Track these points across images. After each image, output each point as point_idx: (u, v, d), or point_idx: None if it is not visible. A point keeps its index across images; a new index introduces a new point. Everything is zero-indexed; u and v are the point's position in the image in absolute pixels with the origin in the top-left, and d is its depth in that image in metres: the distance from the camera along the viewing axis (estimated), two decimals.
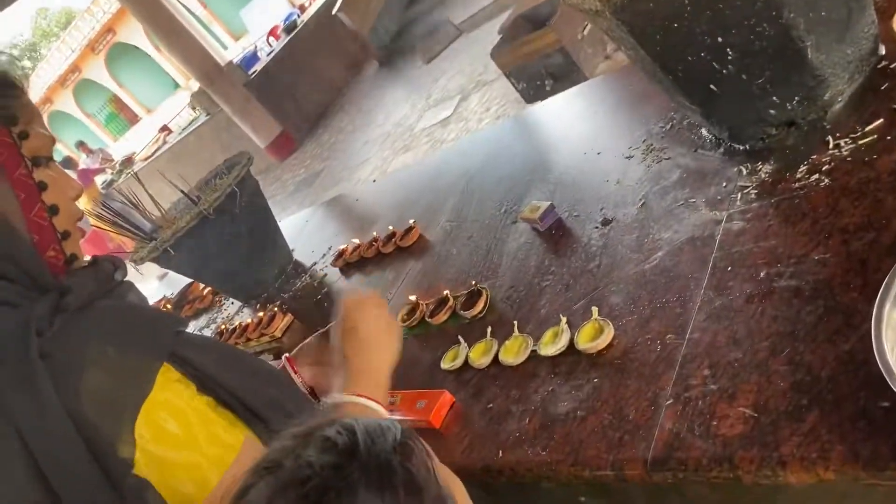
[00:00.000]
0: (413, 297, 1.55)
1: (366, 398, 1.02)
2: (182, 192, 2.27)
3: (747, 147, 1.25)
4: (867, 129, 1.09)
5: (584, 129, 1.75)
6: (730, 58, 1.11)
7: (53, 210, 0.86)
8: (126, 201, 2.32)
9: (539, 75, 4.20)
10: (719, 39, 1.09)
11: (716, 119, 1.25)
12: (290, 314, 2.02)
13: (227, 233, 2.17)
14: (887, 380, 0.72)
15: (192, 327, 2.65)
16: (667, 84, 1.23)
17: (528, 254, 1.47)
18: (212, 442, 0.81)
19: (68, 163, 10.06)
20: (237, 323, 2.23)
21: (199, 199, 2.20)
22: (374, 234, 2.03)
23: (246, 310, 2.41)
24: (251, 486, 0.58)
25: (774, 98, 1.16)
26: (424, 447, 0.64)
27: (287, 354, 1.29)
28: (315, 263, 2.30)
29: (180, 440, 0.79)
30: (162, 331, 0.86)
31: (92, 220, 2.20)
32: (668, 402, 0.95)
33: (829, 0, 1.07)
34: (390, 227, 1.99)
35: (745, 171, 1.21)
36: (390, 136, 7.46)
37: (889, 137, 1.05)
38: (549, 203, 1.48)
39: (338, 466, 0.55)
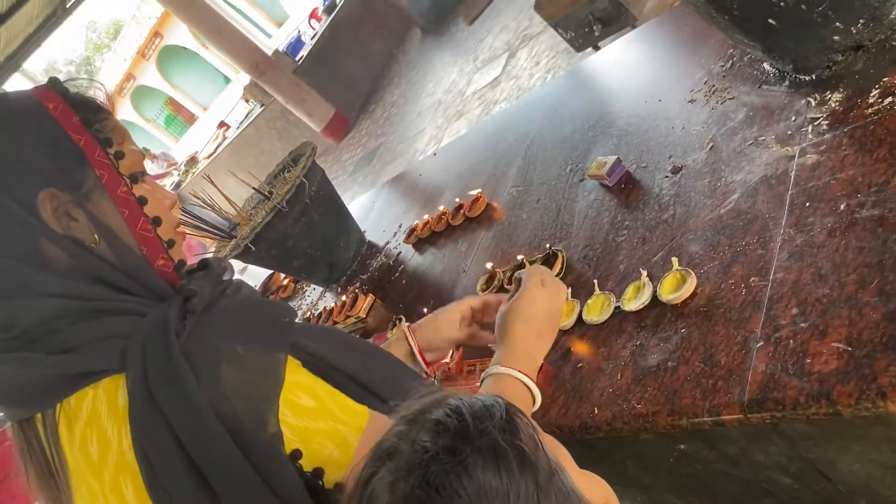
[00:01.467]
0: (490, 265, 1.58)
1: (522, 373, 1.07)
2: (254, 189, 2.34)
3: (814, 77, 1.22)
4: None
5: (642, 76, 1.73)
6: None
7: (157, 222, 0.93)
8: (202, 203, 2.41)
9: (586, 22, 4.13)
10: None
11: (778, 53, 1.22)
12: (371, 294, 2.08)
13: (302, 223, 2.24)
14: None
15: None
16: (723, 23, 1.21)
17: (599, 211, 1.47)
18: (343, 410, 0.88)
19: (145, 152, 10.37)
20: (322, 308, 2.30)
21: (272, 194, 2.28)
22: (442, 207, 2.07)
23: (328, 294, 2.48)
24: (374, 474, 0.62)
25: (837, 23, 1.12)
26: (529, 421, 0.67)
27: (407, 324, 1.35)
28: (388, 242, 2.35)
29: (317, 411, 0.85)
30: (280, 323, 0.92)
31: None
32: (759, 345, 0.95)
33: None
34: (457, 199, 2.01)
35: (813, 103, 1.18)
36: (442, 104, 7.45)
37: None
38: (615, 157, 1.48)
39: (453, 450, 0.59)
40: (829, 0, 1.09)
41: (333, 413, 0.87)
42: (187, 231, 2.24)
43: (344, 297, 2.17)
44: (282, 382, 0.84)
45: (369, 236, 2.54)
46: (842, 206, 1.00)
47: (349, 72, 10.61)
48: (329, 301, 2.42)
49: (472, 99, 6.70)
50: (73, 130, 0.88)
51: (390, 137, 8.35)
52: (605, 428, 1.10)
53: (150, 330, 0.83)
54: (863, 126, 1.07)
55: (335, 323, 2.11)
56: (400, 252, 2.20)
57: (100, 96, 0.96)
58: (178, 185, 12.40)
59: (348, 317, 2.06)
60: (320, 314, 2.25)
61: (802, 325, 0.92)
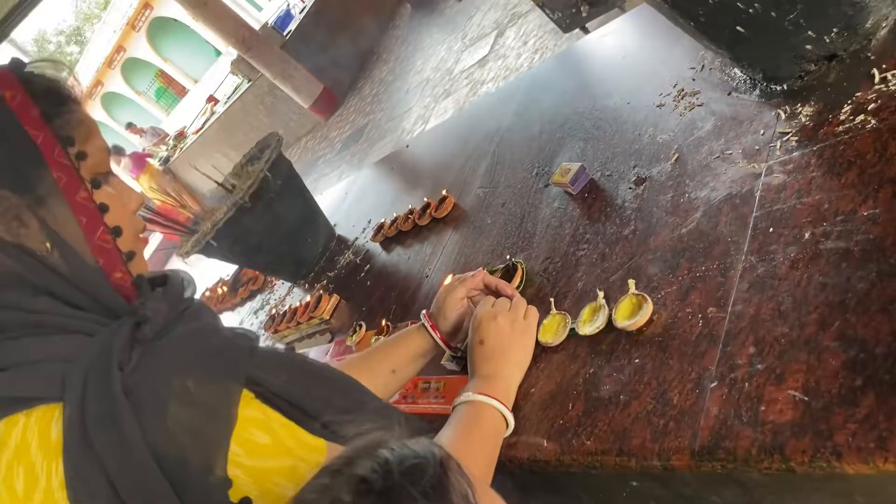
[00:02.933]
0: (449, 279, 1.51)
1: (491, 398, 1.07)
2: (217, 182, 2.26)
3: (785, 87, 1.14)
4: None
5: (614, 74, 1.65)
6: None
7: (117, 232, 0.85)
8: (167, 196, 2.34)
9: (573, 2, 4.02)
10: None
11: (747, 61, 1.15)
12: (335, 295, 2.02)
13: (267, 218, 2.16)
14: None
15: (247, 309, 2.68)
16: (689, 29, 1.14)
17: (561, 221, 1.40)
18: (300, 445, 0.82)
19: (118, 151, 10.22)
20: (288, 306, 2.24)
21: (234, 188, 2.20)
22: (410, 206, 2.00)
23: (296, 290, 2.42)
24: None
25: (810, 32, 1.05)
26: (464, 478, 0.62)
27: (425, 311, 1.32)
28: (356, 239, 2.28)
29: (272, 449, 0.79)
30: (237, 356, 0.85)
31: None
32: (713, 385, 0.89)
33: None
34: (425, 199, 1.94)
35: (783, 115, 1.11)
36: (430, 82, 7.35)
37: None
38: (579, 165, 1.40)
39: None
40: (801, 7, 1.01)
41: (290, 449, 0.81)
42: (153, 225, 2.16)
43: (308, 297, 2.11)
44: (234, 421, 0.78)
45: (340, 230, 2.46)
46: (806, 235, 0.93)
47: (338, 47, 10.46)
48: (296, 297, 2.35)
49: (459, 78, 6.60)
50: (30, 125, 0.78)
51: (378, 115, 8.25)
52: (555, 462, 1.04)
53: (94, 359, 0.76)
54: (832, 145, 1.00)
55: (299, 323, 2.05)
56: (367, 250, 2.13)
57: (70, 84, 0.86)
58: (167, 160, 12.24)
59: (312, 318, 2.00)
60: (285, 313, 2.18)
61: (759, 366, 0.86)
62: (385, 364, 1.26)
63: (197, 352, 0.83)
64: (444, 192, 1.86)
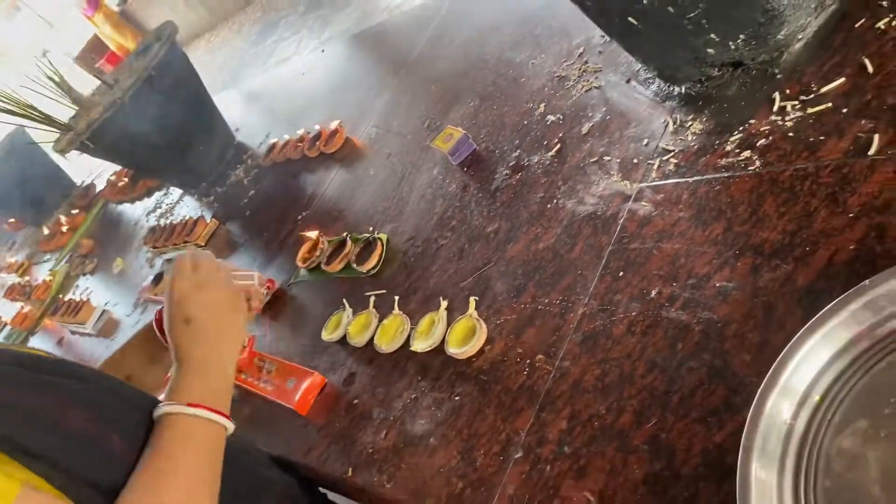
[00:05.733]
0: (314, 234, 1.36)
1: (206, 409, 0.80)
2: (97, 77, 2.03)
3: (682, 90, 0.98)
4: (823, 89, 0.82)
5: (530, 19, 1.43)
6: None
7: None
8: (51, 79, 2.09)
9: None
10: None
11: (640, 56, 0.97)
12: (214, 220, 1.85)
13: (151, 121, 1.95)
14: None
15: (142, 208, 2.50)
16: (581, 9, 0.95)
17: (435, 195, 1.25)
18: None
19: None
20: (169, 221, 2.07)
21: (116, 83, 1.97)
22: (302, 131, 1.80)
23: (187, 198, 2.23)
24: None
25: (713, 35, 0.87)
26: None
27: (159, 308, 1.09)
28: (249, 154, 2.07)
29: None
30: None
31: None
32: (518, 456, 0.78)
33: None
34: (317, 127, 1.75)
35: (672, 126, 0.95)
36: None
37: (845, 111, 0.78)
38: (462, 133, 1.23)
39: None
40: (704, 6, 0.84)
41: None
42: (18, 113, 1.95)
43: (187, 220, 1.94)
44: None
45: (242, 136, 2.25)
46: (653, 293, 0.80)
47: None
48: (185, 207, 2.18)
49: None
50: None
51: None
52: (356, 495, 0.94)
53: None
54: (709, 183, 0.85)
55: (175, 245, 1.89)
56: (257, 170, 1.95)
57: None
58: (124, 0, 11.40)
59: (186, 241, 1.84)
60: (165, 228, 2.02)
61: (566, 448, 0.75)
62: (118, 370, 1.08)
63: None
64: (337, 125, 1.67)
